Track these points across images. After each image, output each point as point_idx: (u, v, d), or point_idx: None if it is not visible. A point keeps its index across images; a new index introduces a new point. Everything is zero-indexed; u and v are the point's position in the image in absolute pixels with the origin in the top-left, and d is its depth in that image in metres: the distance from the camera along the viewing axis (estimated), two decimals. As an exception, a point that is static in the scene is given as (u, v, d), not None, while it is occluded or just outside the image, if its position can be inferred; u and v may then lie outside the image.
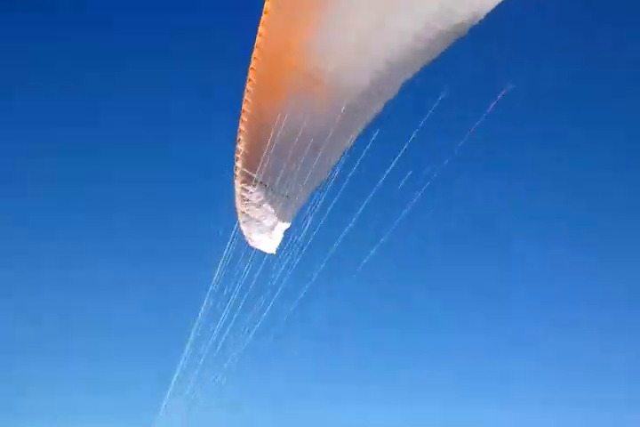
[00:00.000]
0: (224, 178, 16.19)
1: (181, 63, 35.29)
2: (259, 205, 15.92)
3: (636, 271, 34.59)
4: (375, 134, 15.18)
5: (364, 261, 15.94)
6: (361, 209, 15.47)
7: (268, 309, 16.14)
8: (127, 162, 35.12)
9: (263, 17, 13.71)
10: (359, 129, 15.63)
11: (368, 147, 15.19)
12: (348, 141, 15.71)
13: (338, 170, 15.73)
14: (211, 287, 16.33)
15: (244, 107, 14.92)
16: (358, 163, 15.19)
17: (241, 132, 15.29)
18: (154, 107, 35.07)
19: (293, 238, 16.15)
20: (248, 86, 14.44)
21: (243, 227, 16.16)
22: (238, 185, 15.74)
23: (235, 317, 16.27)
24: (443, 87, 14.34)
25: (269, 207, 16.08)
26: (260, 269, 16.07)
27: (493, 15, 14.05)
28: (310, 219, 15.63)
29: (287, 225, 16.66)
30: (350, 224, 15.54)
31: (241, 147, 15.31)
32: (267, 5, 13.60)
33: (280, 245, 16.72)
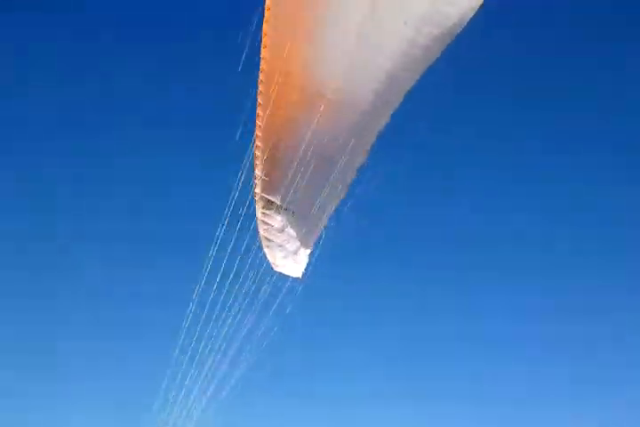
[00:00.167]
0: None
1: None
2: (281, 230, 15.85)
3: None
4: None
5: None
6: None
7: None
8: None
9: (264, 39, 13.85)
10: (370, 142, 15.62)
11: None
12: (362, 157, 15.71)
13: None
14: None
15: (257, 132, 14.95)
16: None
17: (257, 158, 15.29)
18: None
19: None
20: (258, 110, 14.50)
21: (266, 251, 16.06)
22: (259, 210, 15.71)
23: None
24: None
25: (292, 231, 16.01)
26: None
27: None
28: None
29: (311, 248, 16.58)
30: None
31: (259, 172, 15.29)
32: (265, 28, 13.76)
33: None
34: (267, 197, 15.48)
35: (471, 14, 14.00)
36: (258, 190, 15.61)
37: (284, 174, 15.16)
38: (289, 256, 16.45)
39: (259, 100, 14.44)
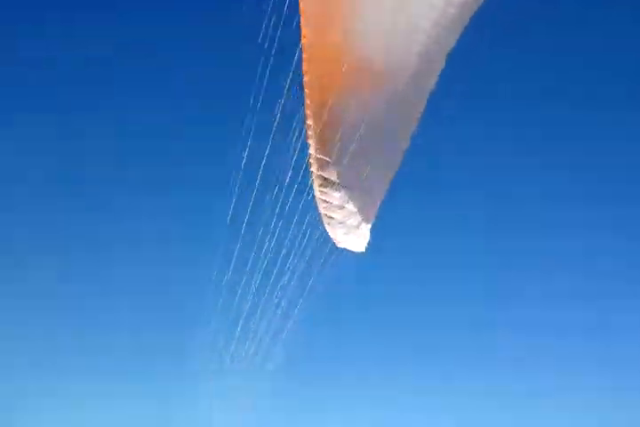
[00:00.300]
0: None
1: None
2: (340, 207, 15.87)
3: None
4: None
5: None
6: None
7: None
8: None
9: (302, 19, 13.81)
10: (421, 108, 15.49)
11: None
12: (414, 124, 15.60)
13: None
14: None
15: (308, 111, 14.95)
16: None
17: (309, 137, 15.32)
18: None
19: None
20: (306, 89, 14.49)
21: (328, 229, 16.15)
22: (317, 189, 15.75)
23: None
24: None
25: (351, 207, 16.01)
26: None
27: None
28: None
29: (372, 222, 16.58)
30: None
31: (312, 151, 15.32)
32: (301, 6, 13.71)
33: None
34: (323, 174, 15.50)
35: None
36: (313, 169, 15.64)
37: (338, 151, 15.14)
38: (351, 232, 16.48)
39: (305, 78, 14.43)
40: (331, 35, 13.97)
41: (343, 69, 14.50)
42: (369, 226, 16.69)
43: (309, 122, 14.99)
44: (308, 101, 14.91)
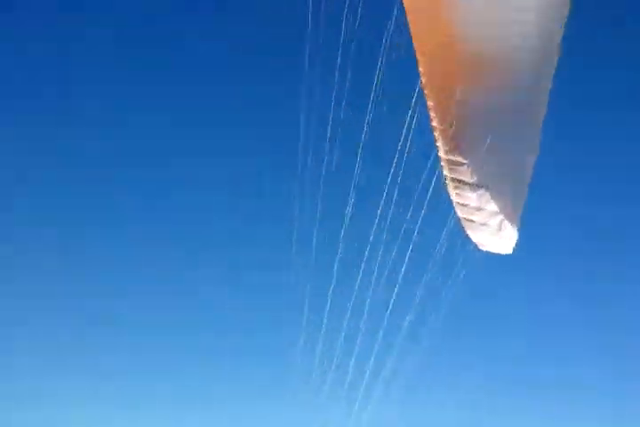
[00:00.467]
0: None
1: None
2: (479, 208, 15.20)
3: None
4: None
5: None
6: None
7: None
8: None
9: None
10: (547, 89, 14.54)
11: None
12: (544, 109, 14.67)
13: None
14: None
15: (432, 113, 14.46)
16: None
17: (437, 140, 14.82)
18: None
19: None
20: (426, 90, 13.99)
21: (469, 233, 15.50)
22: (452, 192, 15.19)
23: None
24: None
25: (491, 207, 15.28)
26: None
27: None
28: None
29: (517, 220, 15.72)
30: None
31: (442, 153, 14.79)
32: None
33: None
34: (456, 177, 14.92)
35: None
36: (446, 172, 15.10)
37: (468, 150, 14.51)
38: (495, 233, 15.73)
39: (423, 80, 13.95)
40: (436, 35, 13.42)
41: (460, 67, 13.93)
42: (514, 225, 15.83)
43: (434, 124, 14.48)
44: (430, 104, 14.41)
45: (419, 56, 13.90)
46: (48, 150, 34.26)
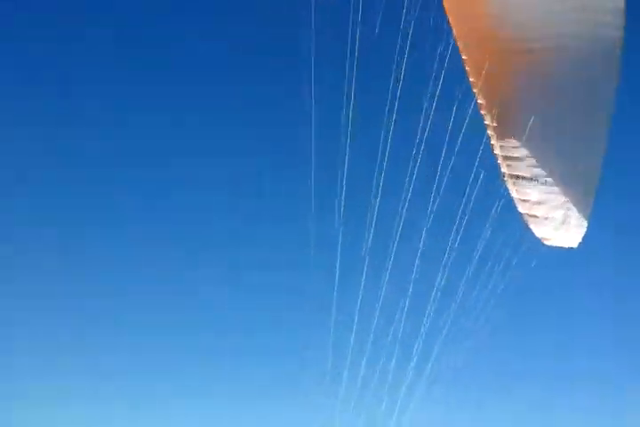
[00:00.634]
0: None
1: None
2: (540, 203, 15.09)
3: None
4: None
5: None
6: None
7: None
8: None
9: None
10: (612, 81, 14.18)
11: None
12: (609, 100, 14.31)
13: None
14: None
15: (484, 111, 14.45)
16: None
17: (492, 137, 14.79)
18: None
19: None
20: (475, 88, 14.01)
21: (532, 227, 15.35)
22: (512, 189, 15.12)
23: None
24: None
25: (553, 200, 15.15)
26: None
27: None
28: None
29: (583, 211, 15.42)
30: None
31: (497, 151, 14.78)
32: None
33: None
34: (514, 173, 14.87)
35: None
36: (504, 170, 15.06)
37: (524, 144, 14.45)
38: (559, 227, 15.55)
39: (471, 79, 13.96)
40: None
41: (509, 60, 13.88)
42: (581, 216, 15.52)
43: (487, 122, 14.47)
44: (481, 102, 14.42)
45: (464, 57, 13.87)
46: (48, 150, 33.93)
